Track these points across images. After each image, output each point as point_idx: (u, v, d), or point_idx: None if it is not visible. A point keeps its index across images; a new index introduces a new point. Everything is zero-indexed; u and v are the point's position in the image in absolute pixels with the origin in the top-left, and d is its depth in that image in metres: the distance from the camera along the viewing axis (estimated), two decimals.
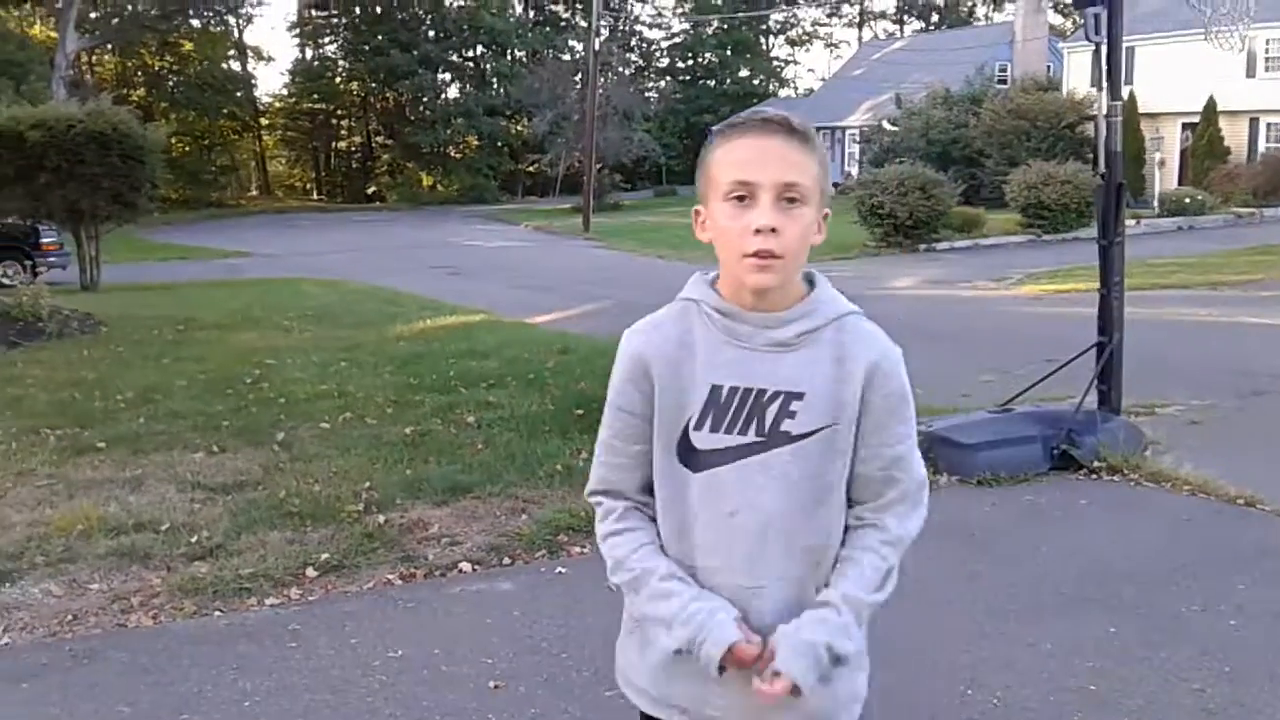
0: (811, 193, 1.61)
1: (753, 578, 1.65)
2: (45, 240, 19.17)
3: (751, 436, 1.63)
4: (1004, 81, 39.26)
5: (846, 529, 1.70)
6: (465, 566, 4.60)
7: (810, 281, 1.71)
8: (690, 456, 1.66)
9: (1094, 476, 5.88)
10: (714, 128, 1.69)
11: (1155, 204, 27.85)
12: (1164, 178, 30.74)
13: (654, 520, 1.73)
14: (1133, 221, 21.35)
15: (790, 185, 1.59)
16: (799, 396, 1.62)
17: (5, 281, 16.85)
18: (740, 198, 1.60)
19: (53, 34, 40.82)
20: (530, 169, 52.61)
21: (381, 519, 5.14)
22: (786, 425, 1.62)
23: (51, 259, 19.24)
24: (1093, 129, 6.76)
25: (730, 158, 1.62)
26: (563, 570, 4.59)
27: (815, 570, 1.67)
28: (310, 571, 4.54)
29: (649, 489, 1.73)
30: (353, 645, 3.90)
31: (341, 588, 4.45)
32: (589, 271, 20.71)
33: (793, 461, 1.63)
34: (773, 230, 1.57)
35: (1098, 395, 6.51)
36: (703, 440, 1.65)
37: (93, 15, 43.91)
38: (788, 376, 1.63)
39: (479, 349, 9.95)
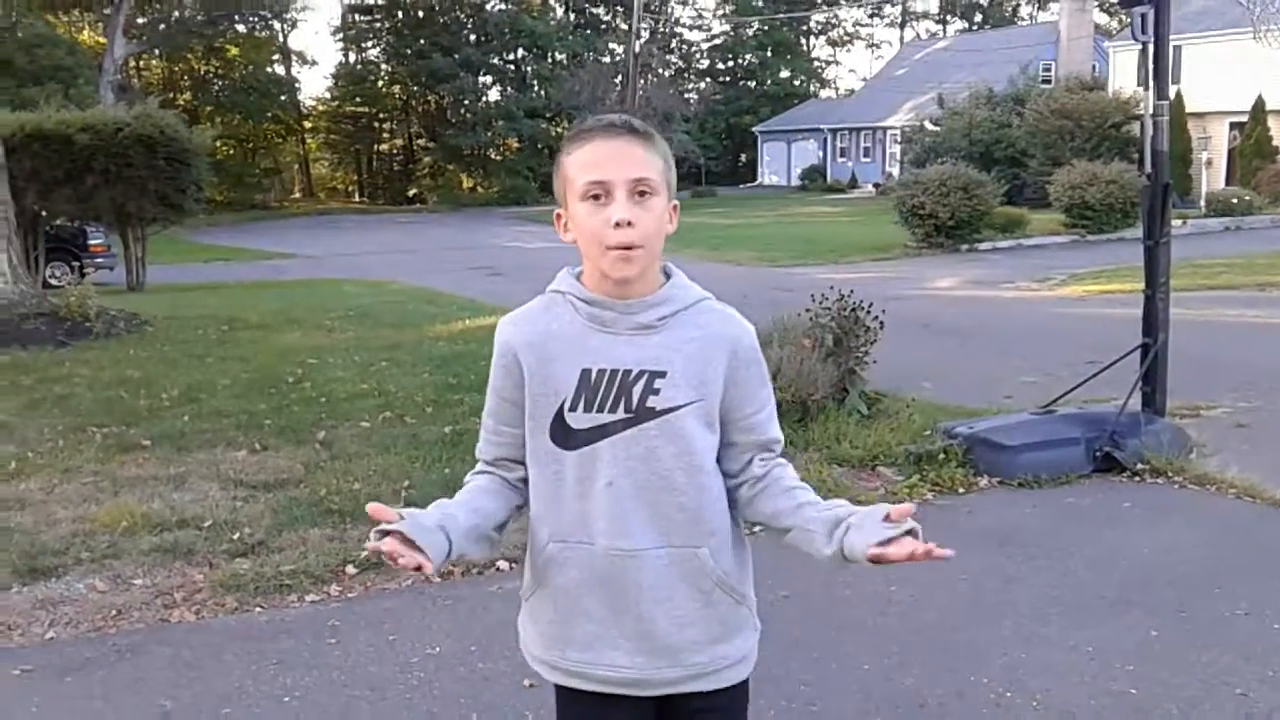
0: (660, 186, 1.76)
1: (630, 540, 1.78)
2: (93, 241, 19.44)
3: (621, 413, 1.77)
4: (1048, 81, 38.91)
5: (740, 490, 1.87)
6: (503, 564, 4.62)
7: (667, 273, 1.85)
8: (565, 436, 1.79)
9: (1137, 479, 5.81)
10: (567, 134, 1.88)
11: (1202, 204, 27.44)
12: (1211, 178, 30.31)
13: (507, 484, 1.91)
14: (1179, 222, 21.08)
15: (640, 180, 1.73)
16: (662, 375, 1.76)
17: (54, 282, 17.10)
18: (596, 196, 1.74)
19: (101, 40, 41.48)
20: None
21: None
22: (652, 401, 1.76)
23: (99, 260, 19.51)
24: (1138, 128, 6.68)
25: (583, 160, 1.76)
26: None
27: (692, 531, 1.80)
28: (350, 569, 4.58)
29: (512, 460, 1.89)
30: (391, 642, 3.93)
31: (380, 585, 4.48)
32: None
33: (660, 434, 1.77)
34: (629, 223, 1.71)
35: (1142, 397, 6.43)
36: (577, 420, 1.78)
37: (140, 21, 44.51)
38: (651, 357, 1.77)
39: None
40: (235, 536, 4.94)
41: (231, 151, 51.02)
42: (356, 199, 60.59)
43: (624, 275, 1.75)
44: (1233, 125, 31.58)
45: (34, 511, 5.34)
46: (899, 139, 43.98)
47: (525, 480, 1.89)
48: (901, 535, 1.64)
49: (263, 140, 56.95)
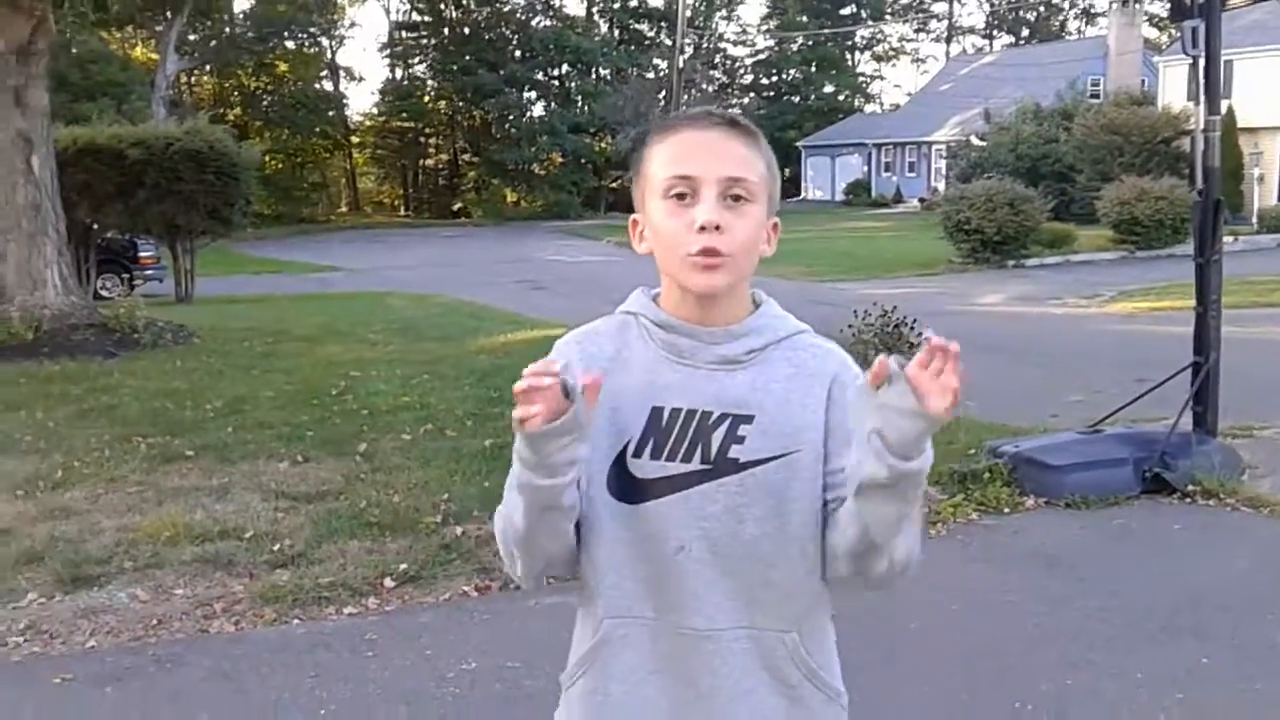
0: (759, 192, 1.46)
1: (704, 619, 1.46)
2: (143, 254, 19.74)
3: (696, 464, 1.45)
4: (1096, 96, 38.52)
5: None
6: None
7: (756, 301, 1.54)
8: (627, 487, 1.47)
9: (1187, 500, 5.69)
10: (652, 127, 1.55)
11: (1254, 220, 27.02)
12: (1263, 193, 29.82)
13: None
14: (1230, 238, 20.72)
15: (736, 180, 1.43)
16: (748, 419, 1.45)
17: (104, 294, 17.36)
18: (680, 195, 1.43)
19: (153, 56, 42.19)
20: (613, 185, 52.87)
21: (459, 530, 5.17)
22: (735, 451, 1.45)
23: (149, 272, 19.80)
24: (1189, 144, 6.57)
25: (668, 153, 1.46)
26: None
27: (781, 611, 1.48)
28: (388, 582, 4.57)
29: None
30: (428, 656, 3.91)
31: (418, 598, 4.47)
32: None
33: (742, 492, 1.44)
34: (717, 228, 1.41)
35: (1193, 416, 6.29)
36: (642, 469, 1.46)
37: (192, 37, 45.27)
38: (736, 398, 1.46)
39: None
40: (275, 548, 4.95)
41: (280, 166, 51.61)
42: (402, 213, 61.05)
43: (708, 287, 1.43)
44: None
45: (79, 520, 5.39)
46: (944, 154, 43.69)
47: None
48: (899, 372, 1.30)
49: (310, 155, 57.56)
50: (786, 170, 62.42)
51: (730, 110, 1.51)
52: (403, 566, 4.71)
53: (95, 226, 17.67)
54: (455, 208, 58.14)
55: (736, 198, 1.43)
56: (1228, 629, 4.06)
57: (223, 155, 17.28)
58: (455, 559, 4.83)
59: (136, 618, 4.25)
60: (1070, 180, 31.85)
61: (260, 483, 6.04)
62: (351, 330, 12.96)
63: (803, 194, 57.93)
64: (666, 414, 1.46)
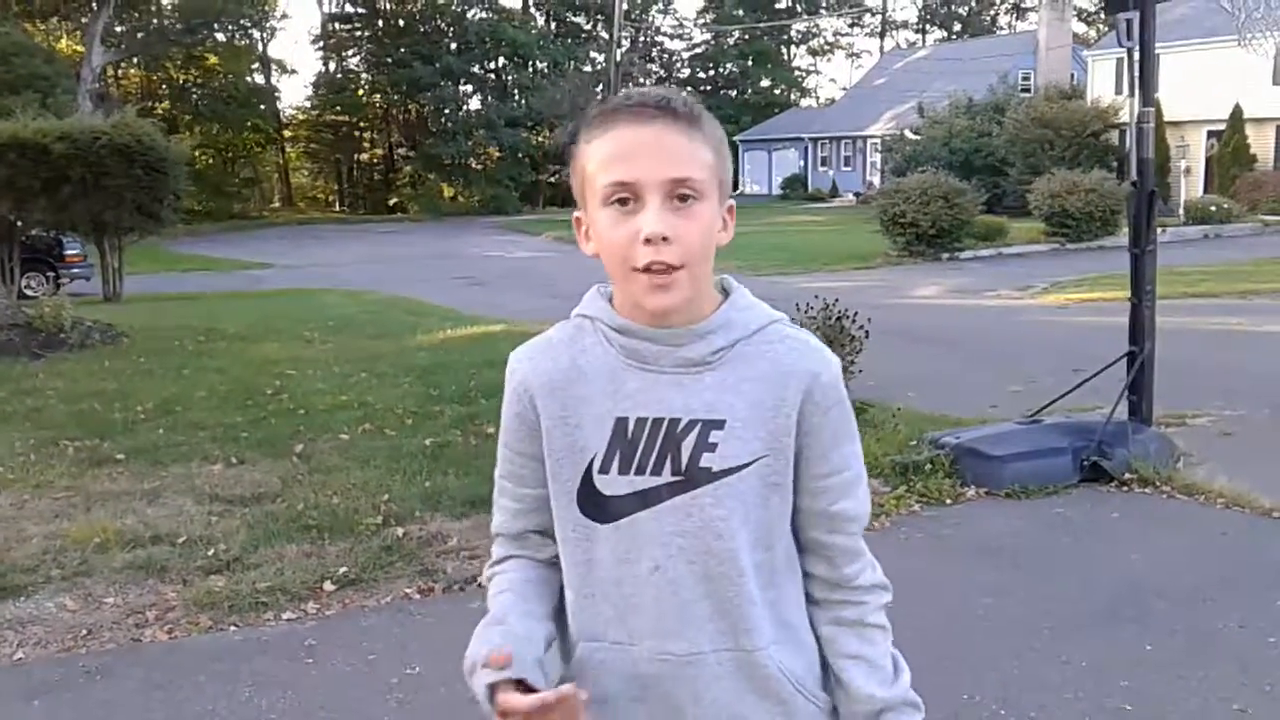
0: (708, 186, 1.34)
1: (684, 643, 1.38)
2: (69, 252, 19.25)
3: (667, 476, 1.36)
4: (1027, 90, 39.07)
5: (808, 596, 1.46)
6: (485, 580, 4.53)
7: (725, 289, 1.43)
8: (596, 505, 1.39)
9: (1125, 489, 5.77)
10: (586, 114, 1.40)
11: (1181, 212, 27.59)
12: (1189, 186, 30.48)
13: (542, 568, 1.49)
14: (1159, 229, 21.21)
15: (680, 181, 1.31)
16: (719, 425, 1.35)
17: (29, 293, 16.90)
18: (622, 200, 1.32)
19: (79, 48, 41.17)
20: (551, 180, 52.71)
21: (400, 532, 5.08)
22: (707, 460, 1.35)
23: (75, 270, 19.31)
24: (1116, 137, 6.66)
25: (605, 153, 1.33)
26: None
27: (763, 628, 1.40)
28: (328, 585, 4.48)
29: (542, 533, 1.49)
30: (370, 661, 3.83)
31: (359, 602, 4.39)
32: (609, 281, 20.63)
33: (717, 503, 1.36)
34: (664, 239, 1.30)
35: (1128, 406, 6.39)
36: (610, 485, 1.38)
37: (119, 29, 44.26)
38: (704, 402, 1.36)
39: (499, 359, 9.74)
40: (210, 553, 4.83)
41: (210, 161, 50.74)
42: (336, 208, 60.29)
43: (661, 307, 1.33)
44: (1210, 134, 31.77)
45: (4, 528, 5.22)
46: (879, 148, 44.10)
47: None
48: None
49: (242, 149, 56.64)
50: None
51: (669, 92, 1.37)
52: (342, 570, 4.62)
53: (19, 224, 17.18)
54: (391, 203, 57.58)
55: (684, 197, 1.32)
56: (1168, 616, 4.11)
57: (151, 150, 16.93)
58: (397, 561, 4.75)
59: (65, 628, 4.12)
60: (1002, 174, 32.29)
61: (193, 486, 5.90)
62: (287, 328, 12.75)
63: (740, 189, 58.18)
64: (632, 424, 1.37)
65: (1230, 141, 30.55)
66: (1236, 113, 30.07)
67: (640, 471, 1.37)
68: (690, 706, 1.40)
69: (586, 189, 1.38)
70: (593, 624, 1.42)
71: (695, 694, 1.39)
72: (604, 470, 1.38)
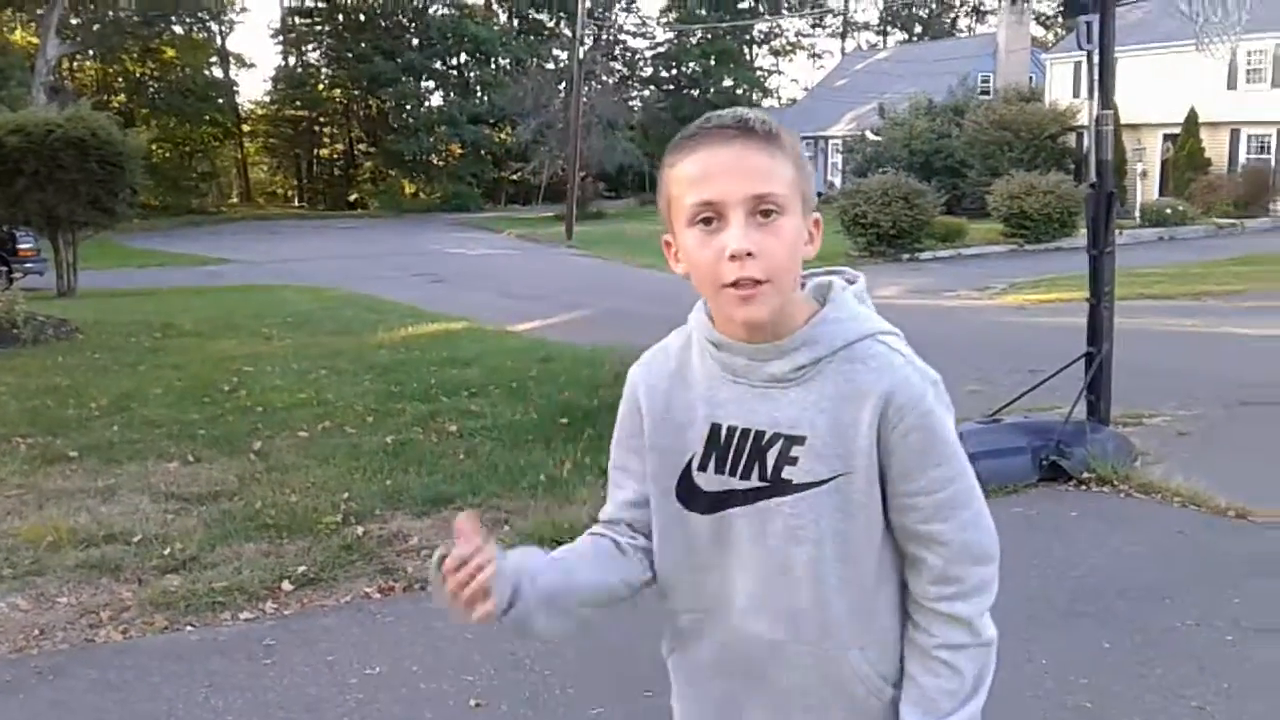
0: (790, 200, 1.39)
1: (766, 628, 1.47)
2: (22, 246, 18.93)
3: (754, 481, 1.45)
4: (987, 92, 39.41)
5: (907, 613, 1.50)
6: None
7: (823, 299, 1.48)
8: (695, 499, 1.50)
9: (1083, 488, 5.82)
10: (671, 143, 1.48)
11: (1137, 214, 27.94)
12: (1145, 188, 30.86)
13: (618, 551, 1.57)
14: (1115, 232, 21.44)
15: (761, 197, 1.37)
16: (800, 441, 1.42)
17: None
18: (707, 220, 1.38)
19: (34, 39, 40.55)
20: (513, 177, 52.52)
21: (360, 531, 5.03)
22: (789, 472, 1.42)
23: (28, 265, 18.99)
24: (1074, 140, 6.73)
25: (689, 174, 1.40)
26: None
27: (839, 630, 1.46)
28: (286, 585, 4.42)
29: (630, 524, 1.59)
30: (329, 662, 3.79)
31: (318, 601, 4.33)
32: (571, 279, 20.61)
33: (796, 514, 1.43)
34: (749, 254, 1.35)
35: (1086, 406, 6.45)
36: (708, 482, 1.48)
37: (74, 21, 43.61)
38: (787, 418, 1.42)
39: (461, 357, 9.83)
40: (166, 552, 4.76)
41: (167, 155, 50.10)
42: (296, 204, 59.71)
43: (751, 320, 1.39)
44: (1166, 137, 32.18)
45: None
46: (841, 148, 44.31)
47: (646, 552, 1.57)
48: None
49: (199, 144, 55.97)
50: None
51: (747, 112, 1.44)
52: (301, 569, 4.56)
53: None
54: (351, 199, 57.16)
55: (767, 213, 1.37)
56: (1127, 614, 4.14)
57: (106, 143, 16.72)
58: (356, 560, 4.70)
59: (17, 628, 4.04)
60: (962, 175, 32.54)
61: (149, 484, 5.81)
62: (244, 324, 12.62)
63: None
64: (724, 431, 1.47)
65: (1185, 145, 30.95)
66: (1192, 116, 30.47)
67: (733, 473, 1.47)
68: (766, 687, 1.50)
69: (672, 212, 1.44)
70: (692, 597, 1.54)
71: (776, 683, 1.49)
72: (702, 468, 1.49)
